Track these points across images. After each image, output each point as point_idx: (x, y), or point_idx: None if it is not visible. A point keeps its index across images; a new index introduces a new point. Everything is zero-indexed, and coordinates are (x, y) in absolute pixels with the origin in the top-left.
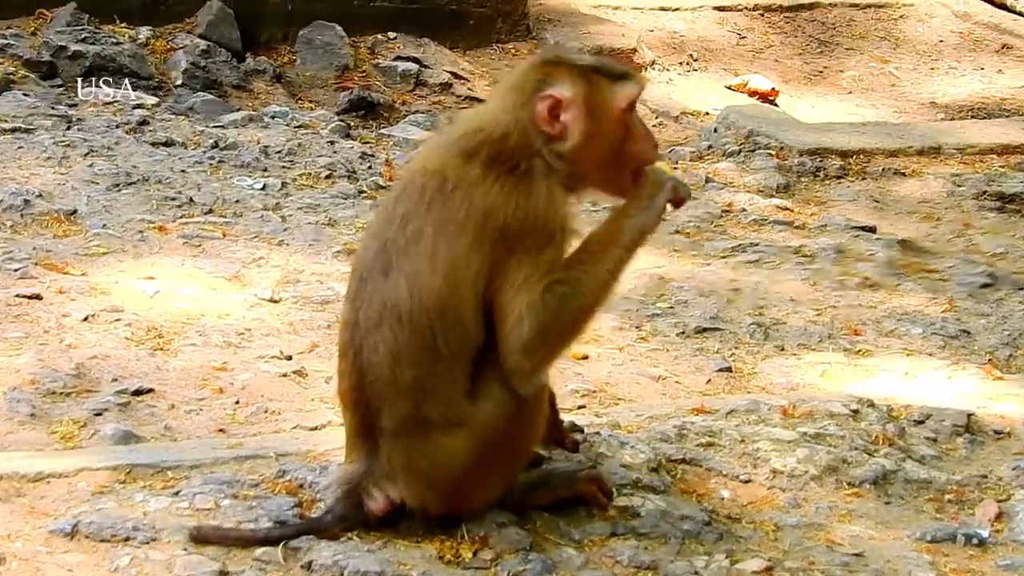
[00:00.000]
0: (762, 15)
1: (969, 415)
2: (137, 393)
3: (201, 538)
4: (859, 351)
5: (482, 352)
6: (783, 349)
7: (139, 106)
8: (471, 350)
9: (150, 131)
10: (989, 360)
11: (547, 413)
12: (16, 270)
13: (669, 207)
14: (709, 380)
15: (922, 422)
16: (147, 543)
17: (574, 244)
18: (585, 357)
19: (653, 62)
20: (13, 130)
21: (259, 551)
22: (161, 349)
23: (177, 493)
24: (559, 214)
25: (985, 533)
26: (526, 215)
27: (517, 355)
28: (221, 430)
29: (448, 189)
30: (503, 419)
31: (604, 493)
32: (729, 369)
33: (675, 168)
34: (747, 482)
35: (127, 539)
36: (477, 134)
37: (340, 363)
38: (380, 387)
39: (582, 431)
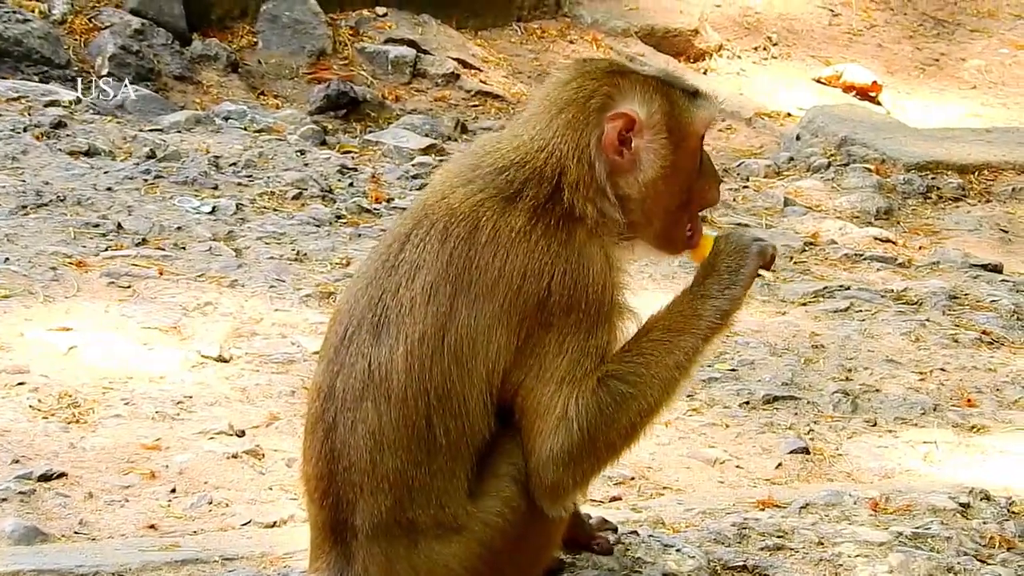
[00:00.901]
0: None
1: None
2: (45, 478)
3: None
4: (973, 427)
5: (487, 444)
6: (875, 424)
7: (53, 103)
8: (477, 444)
9: (67, 136)
10: None
11: (570, 514)
12: None
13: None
14: (779, 464)
15: None
16: None
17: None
18: None
19: (720, 47)
20: None
21: None
22: (76, 422)
23: None
24: (615, 285)
25: None
26: (576, 283)
27: (555, 467)
28: (152, 526)
29: (479, 241)
30: (512, 521)
31: None
32: (806, 450)
33: (745, 186)
34: None
35: None
36: (521, 169)
37: (307, 441)
38: (355, 476)
39: (615, 529)
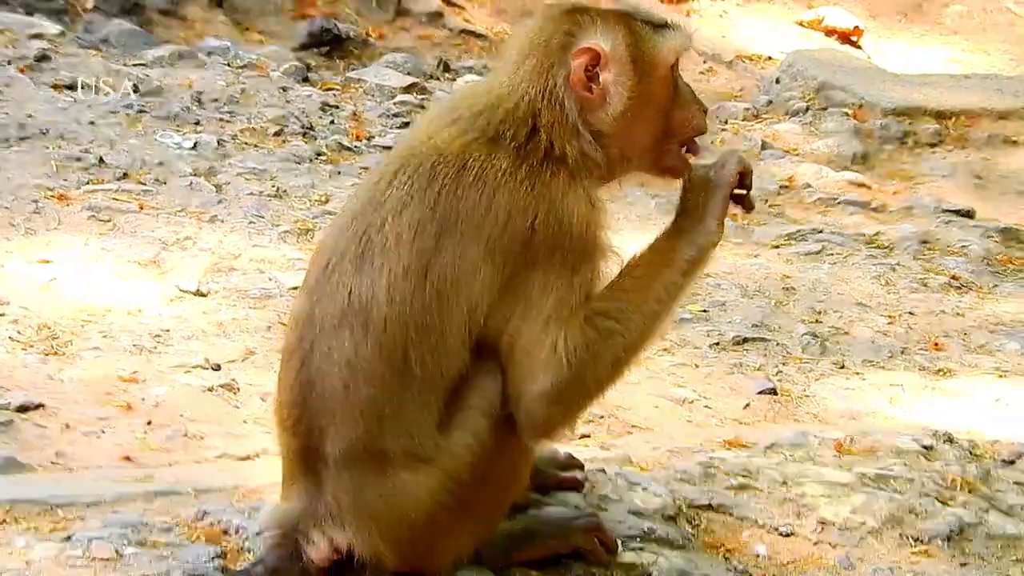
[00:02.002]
0: None
1: None
2: (22, 409)
3: None
4: (939, 371)
5: (460, 378)
6: (843, 367)
7: (38, 36)
8: (451, 378)
9: (51, 69)
10: None
11: (536, 450)
12: None
13: (733, 205)
14: (747, 405)
15: (1012, 462)
16: None
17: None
18: None
19: None
20: None
21: None
22: (55, 354)
23: (69, 538)
24: (598, 223)
25: None
26: (560, 222)
27: (546, 404)
28: (127, 458)
29: (466, 181)
30: (480, 455)
31: (606, 546)
32: (774, 391)
33: (723, 128)
34: (789, 535)
35: None
36: (497, 110)
37: (282, 368)
38: (329, 404)
39: (583, 467)
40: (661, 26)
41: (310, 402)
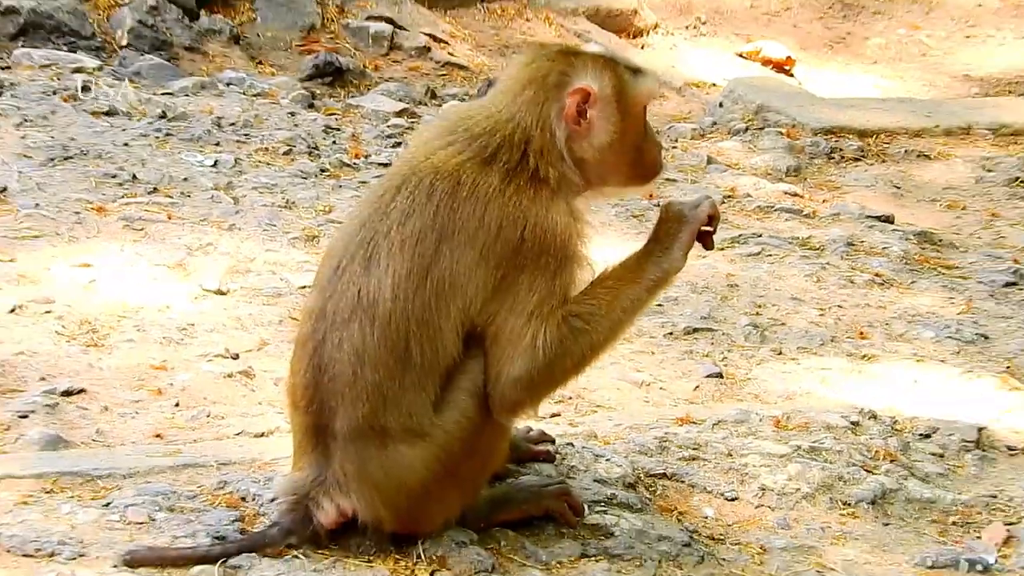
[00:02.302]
0: None
1: (980, 429)
2: (67, 393)
3: (136, 562)
4: (864, 356)
5: (453, 365)
6: (780, 353)
7: (79, 70)
8: (445, 365)
9: (91, 98)
10: (1007, 368)
11: (514, 427)
12: None
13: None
14: (697, 387)
15: (928, 436)
16: (74, 559)
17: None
18: None
19: (656, 25)
20: None
21: (195, 569)
22: (95, 345)
23: (108, 504)
24: (577, 233)
25: (991, 559)
26: (545, 232)
27: (518, 388)
28: (158, 435)
29: (461, 195)
30: (468, 431)
31: (574, 510)
32: (720, 375)
33: (674, 146)
34: (733, 500)
35: (52, 554)
36: (494, 135)
37: (295, 355)
38: (338, 386)
39: (553, 441)
40: (637, 71)
41: (321, 385)
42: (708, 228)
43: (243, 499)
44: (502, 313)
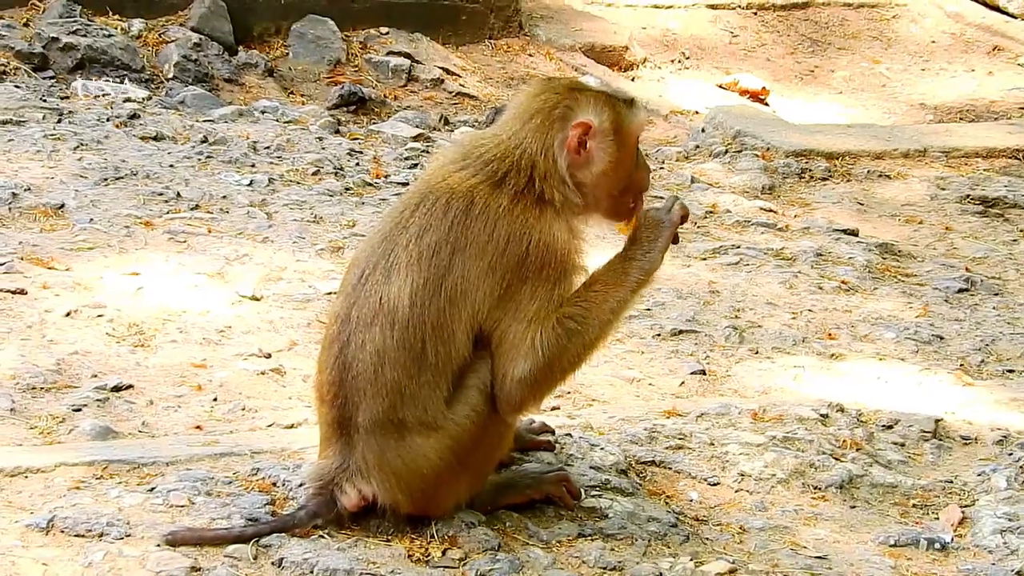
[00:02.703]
0: (755, 13)
1: (937, 421)
2: (116, 389)
3: (177, 541)
4: (832, 355)
5: (464, 364)
6: (757, 352)
7: (130, 99)
8: (456, 364)
9: (140, 125)
10: (960, 365)
11: (519, 419)
12: (1, 264)
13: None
14: (682, 383)
15: (891, 427)
16: (121, 539)
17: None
18: None
19: (645, 60)
20: (4, 122)
21: (231, 548)
22: (142, 345)
23: (152, 489)
24: (576, 249)
25: (948, 538)
26: (548, 247)
27: (521, 387)
28: (198, 427)
29: (474, 213)
30: (477, 424)
31: (572, 494)
32: (703, 372)
33: (661, 167)
34: (715, 485)
35: (101, 535)
36: (504, 160)
37: (322, 355)
38: (361, 383)
39: (552, 432)
40: (631, 104)
41: (346, 382)
42: (681, 228)
43: (274, 484)
44: (506, 319)
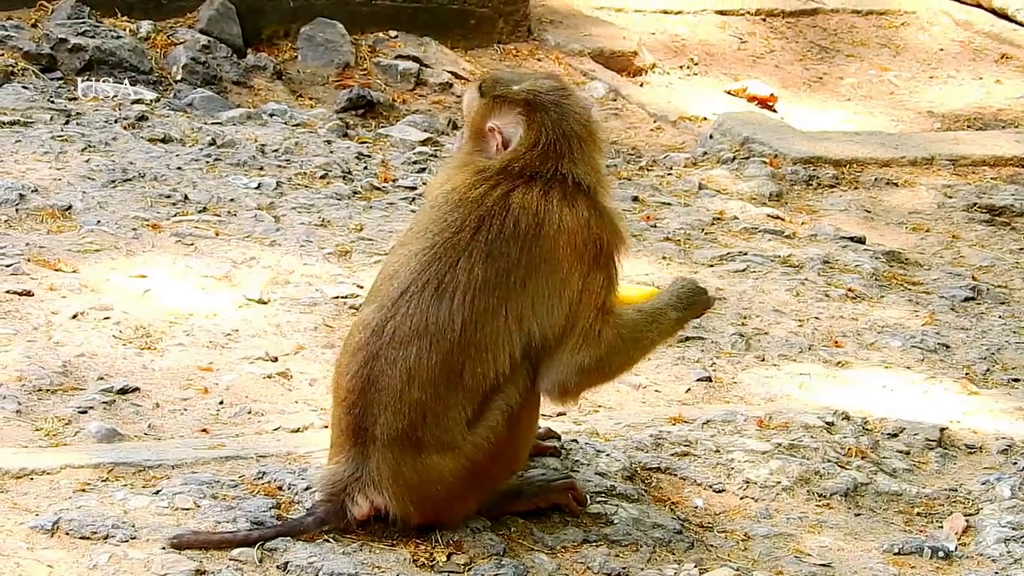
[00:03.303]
0: (764, 20)
1: (942, 429)
2: (122, 392)
3: (182, 545)
4: (838, 363)
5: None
6: (763, 359)
7: (138, 101)
8: (491, 385)
9: (148, 127)
10: (966, 374)
11: (535, 435)
12: (8, 266)
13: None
14: (688, 389)
15: (896, 435)
16: (126, 541)
17: None
18: None
19: (654, 65)
20: (11, 123)
21: (236, 551)
22: (148, 348)
23: (158, 492)
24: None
25: (952, 546)
26: (612, 239)
27: (580, 375)
28: (204, 430)
29: (547, 231)
30: (495, 445)
31: (578, 501)
32: (709, 379)
33: (669, 173)
34: (720, 491)
35: (107, 537)
36: (543, 165)
37: (344, 358)
38: (384, 398)
39: (558, 438)
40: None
41: (368, 394)
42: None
43: (280, 488)
44: (580, 310)
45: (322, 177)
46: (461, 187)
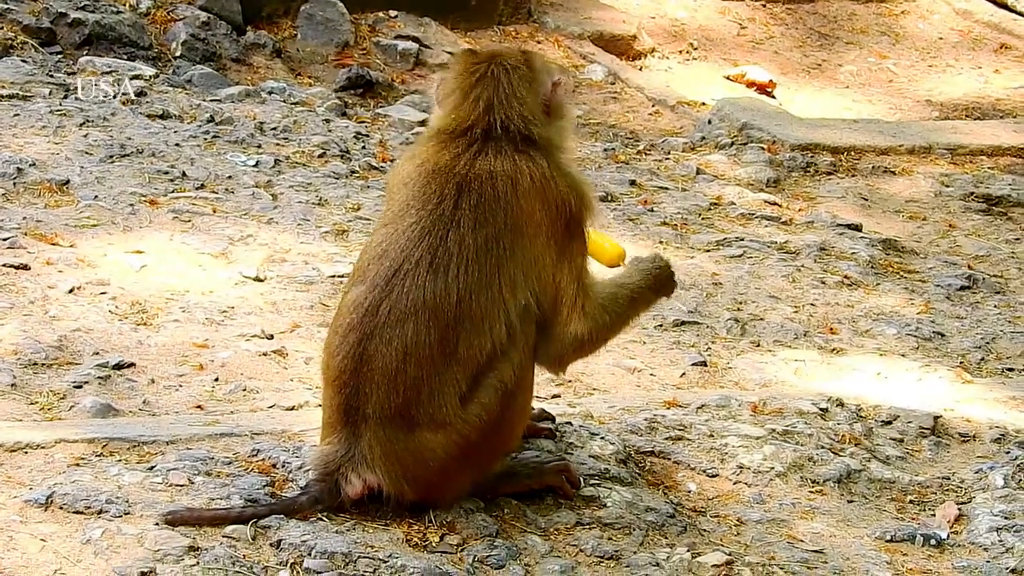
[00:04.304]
0: (764, 6)
1: (936, 417)
2: (118, 367)
3: (176, 521)
4: (833, 350)
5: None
6: (759, 345)
7: (137, 77)
8: (484, 357)
9: (147, 103)
10: (960, 363)
11: (529, 415)
12: (5, 239)
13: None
14: (683, 374)
15: (889, 423)
16: (120, 517)
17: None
18: None
19: (653, 49)
20: (10, 97)
21: (229, 528)
22: (144, 324)
23: (152, 468)
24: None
25: (944, 534)
26: (584, 198)
27: (574, 346)
28: (199, 407)
29: (522, 190)
30: (488, 423)
31: (571, 483)
32: (704, 363)
33: (667, 157)
34: (714, 476)
35: (100, 512)
36: (508, 130)
37: (335, 339)
38: (377, 377)
39: (553, 419)
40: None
41: (361, 373)
42: None
43: (274, 466)
44: (563, 282)
45: (320, 156)
46: (429, 158)
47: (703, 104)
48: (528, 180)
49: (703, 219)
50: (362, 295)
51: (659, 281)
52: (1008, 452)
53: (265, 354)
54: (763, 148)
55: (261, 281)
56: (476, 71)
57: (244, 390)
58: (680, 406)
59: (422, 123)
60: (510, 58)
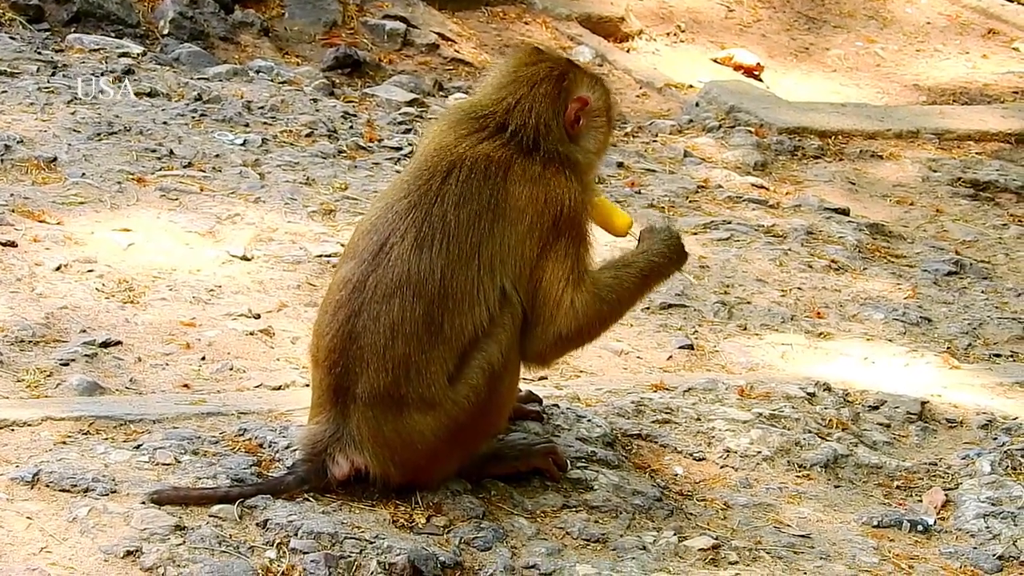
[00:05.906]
0: None
1: (923, 403)
2: (105, 345)
3: (162, 500)
4: (820, 334)
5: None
6: (746, 329)
7: (125, 55)
8: (470, 338)
9: (134, 81)
10: (948, 348)
11: (515, 398)
12: None
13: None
14: (670, 357)
15: (877, 408)
16: (106, 495)
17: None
18: None
19: (640, 31)
20: None
21: (216, 507)
22: (131, 302)
23: (139, 447)
24: (589, 209)
25: (930, 520)
26: (577, 206)
27: (556, 344)
28: (186, 385)
29: (513, 179)
30: (475, 404)
31: (558, 466)
32: (691, 347)
33: (654, 140)
34: (700, 460)
35: (87, 490)
36: (523, 127)
37: (323, 318)
38: (366, 354)
39: (540, 401)
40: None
41: (350, 351)
42: None
43: (260, 446)
44: (545, 279)
45: (308, 135)
46: (435, 138)
47: (690, 87)
48: (520, 170)
49: (690, 202)
50: (351, 271)
51: (670, 253)
52: (995, 438)
53: (252, 333)
54: (751, 131)
55: (248, 260)
56: (516, 71)
57: (231, 369)
58: (667, 389)
59: (410, 103)
60: (547, 69)
